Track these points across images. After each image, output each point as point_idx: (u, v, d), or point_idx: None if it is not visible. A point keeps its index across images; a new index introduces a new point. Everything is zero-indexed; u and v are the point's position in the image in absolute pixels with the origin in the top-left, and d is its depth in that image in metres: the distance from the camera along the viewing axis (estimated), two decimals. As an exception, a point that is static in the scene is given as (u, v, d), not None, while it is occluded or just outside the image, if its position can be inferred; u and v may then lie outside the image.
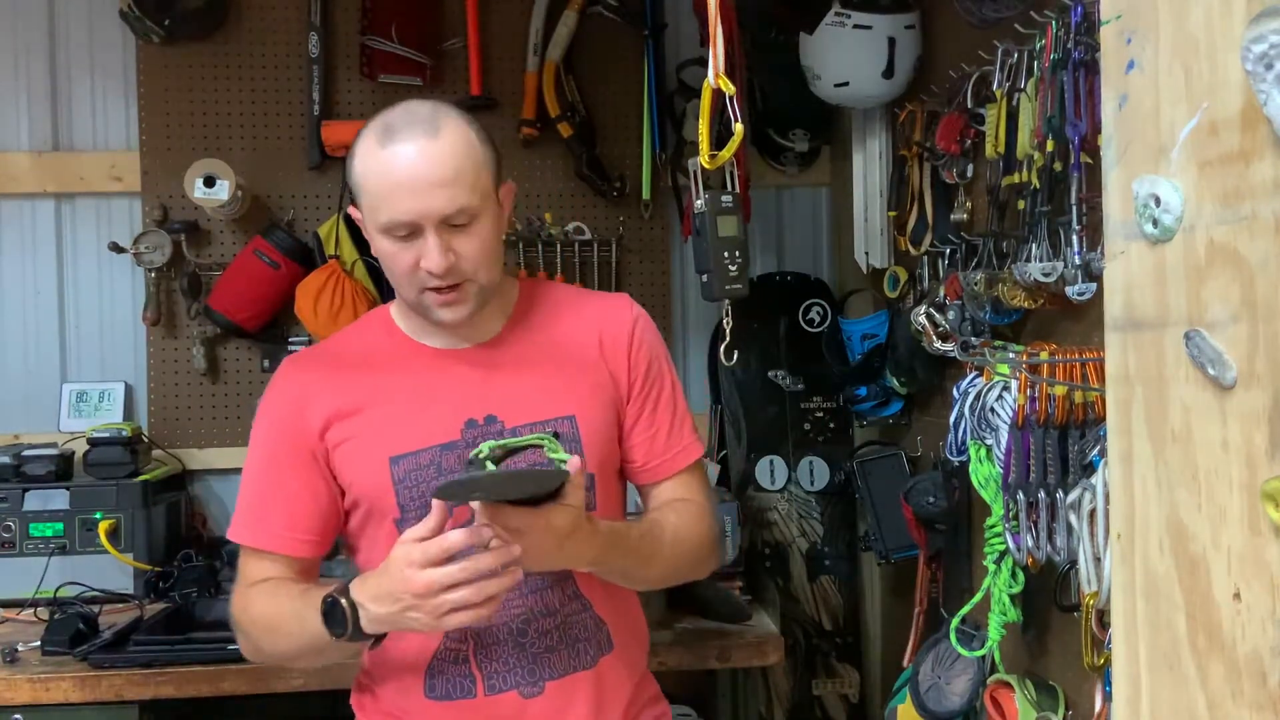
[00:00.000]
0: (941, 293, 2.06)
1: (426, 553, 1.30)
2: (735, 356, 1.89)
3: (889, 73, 2.34)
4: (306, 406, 1.54)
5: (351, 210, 1.55)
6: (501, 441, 1.37)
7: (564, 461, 1.34)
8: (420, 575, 1.30)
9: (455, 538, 1.31)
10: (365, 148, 1.46)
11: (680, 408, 1.64)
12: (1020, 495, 1.63)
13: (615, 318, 1.61)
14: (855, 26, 2.34)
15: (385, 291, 2.80)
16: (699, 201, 1.89)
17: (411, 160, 1.42)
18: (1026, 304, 1.77)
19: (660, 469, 1.61)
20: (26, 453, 2.59)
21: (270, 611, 1.50)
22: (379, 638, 1.41)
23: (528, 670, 1.51)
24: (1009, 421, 1.64)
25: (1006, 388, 1.67)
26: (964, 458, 1.78)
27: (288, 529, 1.52)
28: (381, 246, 1.47)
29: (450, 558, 1.31)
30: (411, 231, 1.43)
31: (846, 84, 2.40)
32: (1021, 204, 1.77)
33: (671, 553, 1.55)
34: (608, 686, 1.56)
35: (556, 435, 1.41)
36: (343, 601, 1.36)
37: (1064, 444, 1.59)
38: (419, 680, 1.52)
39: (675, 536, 1.56)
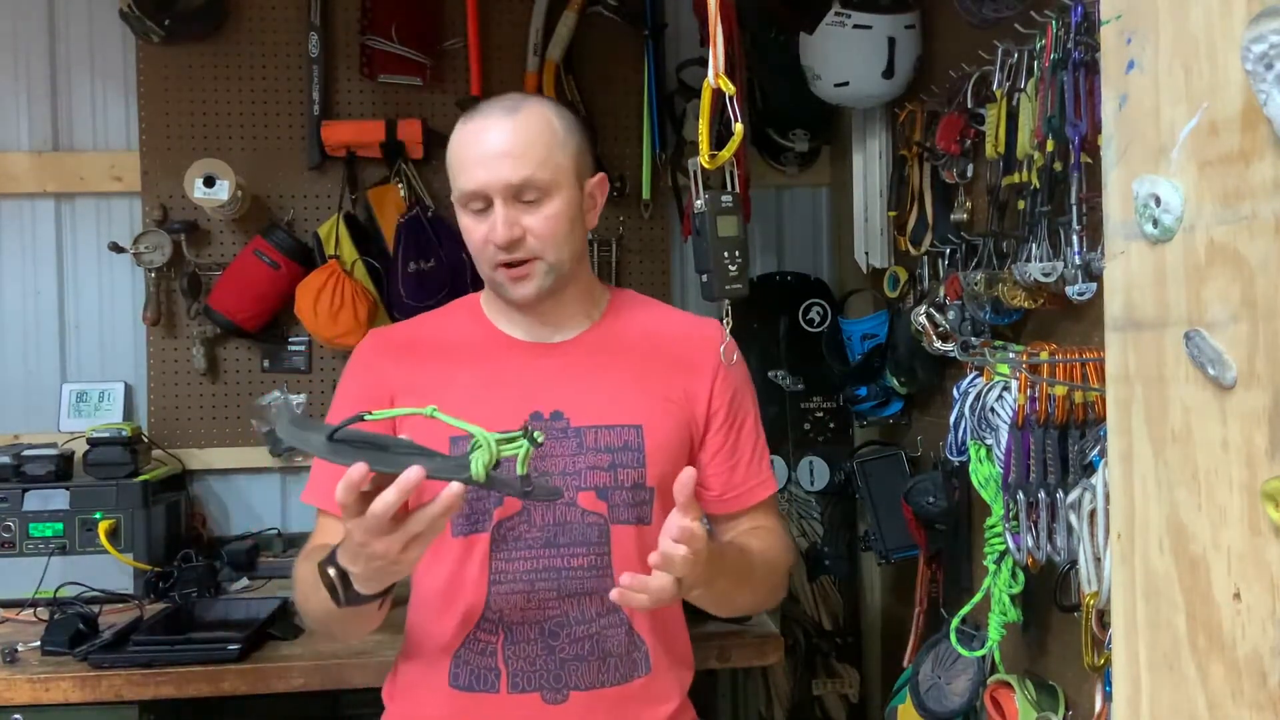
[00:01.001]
0: (941, 293, 2.06)
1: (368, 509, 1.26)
2: (735, 356, 1.89)
3: (889, 73, 2.35)
4: (382, 377, 1.57)
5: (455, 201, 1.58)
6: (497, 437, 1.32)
7: (474, 468, 1.27)
8: (355, 528, 1.26)
9: (389, 496, 1.25)
10: (456, 129, 1.52)
11: (761, 442, 1.65)
12: (1020, 495, 1.63)
13: (702, 341, 1.62)
14: (855, 26, 2.34)
15: (385, 292, 2.80)
16: (699, 201, 1.88)
17: (486, 132, 1.48)
18: (1026, 304, 1.77)
19: (736, 501, 1.62)
20: (26, 453, 2.59)
21: (303, 575, 1.49)
22: (385, 596, 1.38)
23: (554, 675, 1.50)
24: (1009, 421, 1.64)
25: (1006, 388, 1.67)
26: (964, 458, 1.78)
27: None
28: (462, 223, 1.52)
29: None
30: (485, 204, 1.47)
31: (846, 84, 2.40)
32: (1021, 204, 1.77)
33: (763, 574, 1.56)
34: (637, 710, 1.54)
35: (535, 443, 1.31)
36: (330, 571, 1.35)
37: (1064, 444, 1.59)
38: (444, 668, 1.52)
39: (764, 559, 1.56)
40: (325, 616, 1.46)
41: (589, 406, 1.53)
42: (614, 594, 1.34)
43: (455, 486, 1.25)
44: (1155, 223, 0.74)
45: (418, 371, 1.57)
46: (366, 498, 1.24)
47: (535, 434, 1.29)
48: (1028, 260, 1.73)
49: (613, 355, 1.58)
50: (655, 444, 1.54)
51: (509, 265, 1.49)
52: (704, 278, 1.92)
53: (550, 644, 1.50)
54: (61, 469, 2.59)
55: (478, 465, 1.26)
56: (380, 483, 1.25)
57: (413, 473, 1.23)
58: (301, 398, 2.88)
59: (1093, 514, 1.47)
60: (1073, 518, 1.52)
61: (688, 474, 1.31)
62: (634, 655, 1.54)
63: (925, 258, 2.29)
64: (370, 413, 1.34)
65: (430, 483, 1.25)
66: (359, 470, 1.23)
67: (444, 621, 1.53)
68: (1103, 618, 1.46)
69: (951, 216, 2.11)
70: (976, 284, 1.89)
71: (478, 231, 1.49)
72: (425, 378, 1.55)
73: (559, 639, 1.50)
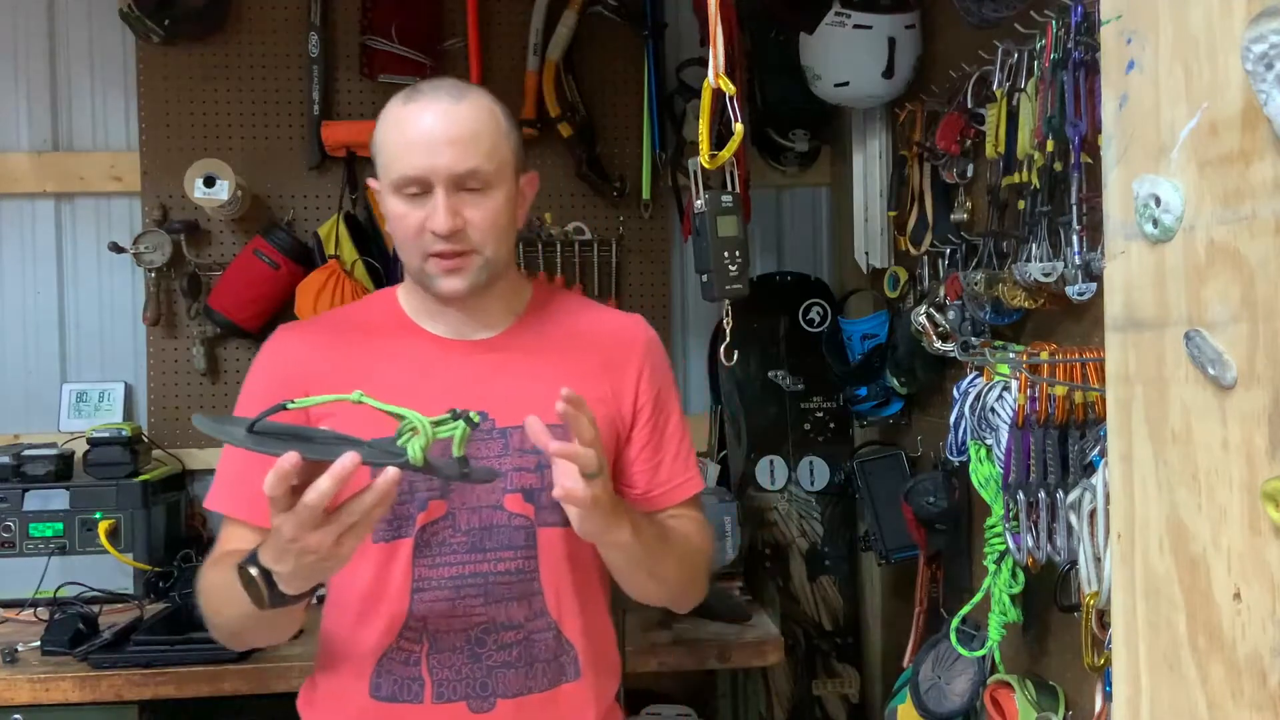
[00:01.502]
0: (941, 293, 2.06)
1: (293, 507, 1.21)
2: (735, 356, 1.89)
3: (889, 73, 2.35)
4: (297, 375, 1.49)
5: (370, 182, 1.53)
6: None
7: (405, 452, 1.21)
8: (284, 523, 1.20)
9: (318, 487, 1.19)
10: (389, 109, 1.47)
11: (685, 440, 1.61)
12: (1020, 495, 1.63)
13: (627, 338, 1.59)
14: (855, 26, 2.34)
15: (385, 291, 2.80)
16: (699, 201, 1.89)
17: (430, 116, 1.42)
18: (1026, 304, 1.77)
19: (661, 499, 1.58)
20: (26, 453, 2.59)
21: (217, 582, 1.41)
22: (311, 593, 1.32)
23: (480, 683, 1.46)
24: (1009, 421, 1.64)
25: (1006, 388, 1.67)
26: (964, 458, 1.78)
27: (260, 498, 1.38)
28: (391, 208, 1.45)
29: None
30: (422, 190, 1.41)
31: (846, 84, 2.40)
32: (1021, 204, 1.77)
33: (682, 553, 1.52)
34: (566, 715, 1.51)
35: (472, 423, 1.25)
36: (251, 570, 1.27)
37: (1064, 444, 1.59)
38: (365, 678, 1.47)
39: (684, 538, 1.54)
40: (242, 623, 1.39)
41: (514, 406, 1.46)
42: (554, 446, 1.27)
43: (391, 472, 1.19)
44: (1155, 223, 0.74)
45: (334, 369, 1.49)
46: (296, 491, 1.18)
47: (471, 414, 1.23)
48: (1028, 260, 1.73)
49: (538, 353, 1.53)
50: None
51: (443, 256, 1.43)
52: (704, 278, 1.93)
53: (476, 651, 1.46)
54: (61, 469, 2.59)
55: (414, 448, 1.20)
56: (310, 474, 1.18)
57: (348, 458, 1.16)
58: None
59: (1093, 514, 1.47)
60: (1073, 518, 1.52)
61: (532, 421, 1.29)
62: (562, 660, 1.50)
63: (925, 258, 2.29)
64: (292, 401, 1.26)
65: (361, 473, 1.18)
66: (290, 459, 1.16)
67: (364, 630, 1.47)
68: (1103, 618, 1.47)
69: (951, 216, 2.12)
70: (976, 284, 1.89)
71: (412, 217, 1.42)
72: (342, 375, 1.47)
73: (485, 646, 1.46)
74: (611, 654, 1.61)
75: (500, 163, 1.45)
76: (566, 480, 1.30)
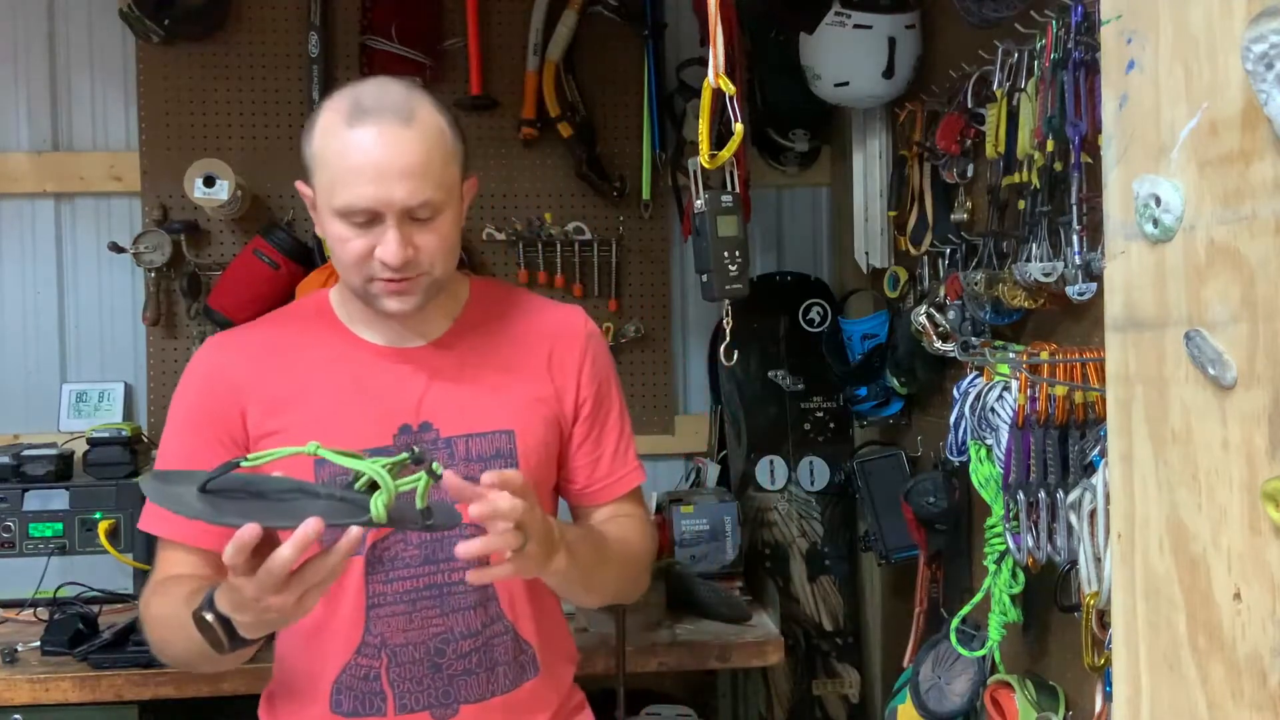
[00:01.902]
0: (941, 293, 2.06)
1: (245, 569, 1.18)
2: (735, 356, 1.89)
3: (889, 73, 2.35)
4: (230, 391, 1.46)
5: (299, 185, 1.45)
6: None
7: (370, 510, 1.18)
8: (245, 586, 1.17)
9: (279, 557, 1.16)
10: (329, 121, 1.38)
11: (626, 432, 1.60)
12: (1020, 495, 1.63)
13: (567, 333, 1.57)
14: (855, 26, 2.34)
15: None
16: (699, 201, 1.89)
17: (379, 145, 1.34)
18: (1027, 304, 1.77)
19: (600, 494, 1.58)
20: (26, 453, 2.59)
21: (164, 613, 1.38)
22: (269, 636, 1.32)
23: (442, 692, 1.45)
24: (1009, 421, 1.64)
25: (1007, 388, 1.67)
26: (964, 458, 1.78)
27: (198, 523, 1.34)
28: (332, 229, 1.38)
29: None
30: (370, 219, 1.35)
31: (846, 84, 2.40)
32: (1021, 204, 1.77)
33: (619, 560, 1.51)
34: (528, 711, 1.52)
35: (434, 475, 1.21)
36: (207, 617, 1.24)
37: (1064, 444, 1.59)
38: (325, 695, 1.46)
39: (621, 545, 1.52)
40: (195, 658, 1.35)
41: (458, 415, 1.46)
42: (470, 576, 1.25)
43: (354, 531, 1.16)
44: (1155, 223, 0.74)
45: (269, 382, 1.46)
46: (257, 552, 1.15)
47: (434, 465, 1.19)
48: (1028, 260, 1.73)
49: (478, 356, 1.51)
50: (527, 447, 1.49)
51: (390, 280, 1.38)
52: (704, 278, 1.93)
53: (436, 661, 1.45)
54: (61, 469, 2.59)
55: (378, 507, 1.16)
56: (271, 535, 1.15)
57: (310, 525, 1.13)
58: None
59: (1093, 514, 1.47)
60: (1073, 518, 1.52)
61: (449, 477, 1.23)
62: (521, 660, 1.50)
63: (925, 258, 2.29)
64: (245, 458, 1.23)
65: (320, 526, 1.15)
66: (251, 532, 1.13)
67: (321, 650, 1.45)
68: (1103, 618, 1.47)
69: (951, 216, 2.12)
70: (976, 284, 1.89)
71: (358, 243, 1.36)
72: (278, 389, 1.45)
73: (445, 655, 1.45)
74: (566, 642, 1.62)
75: (450, 186, 1.41)
76: (489, 562, 1.26)
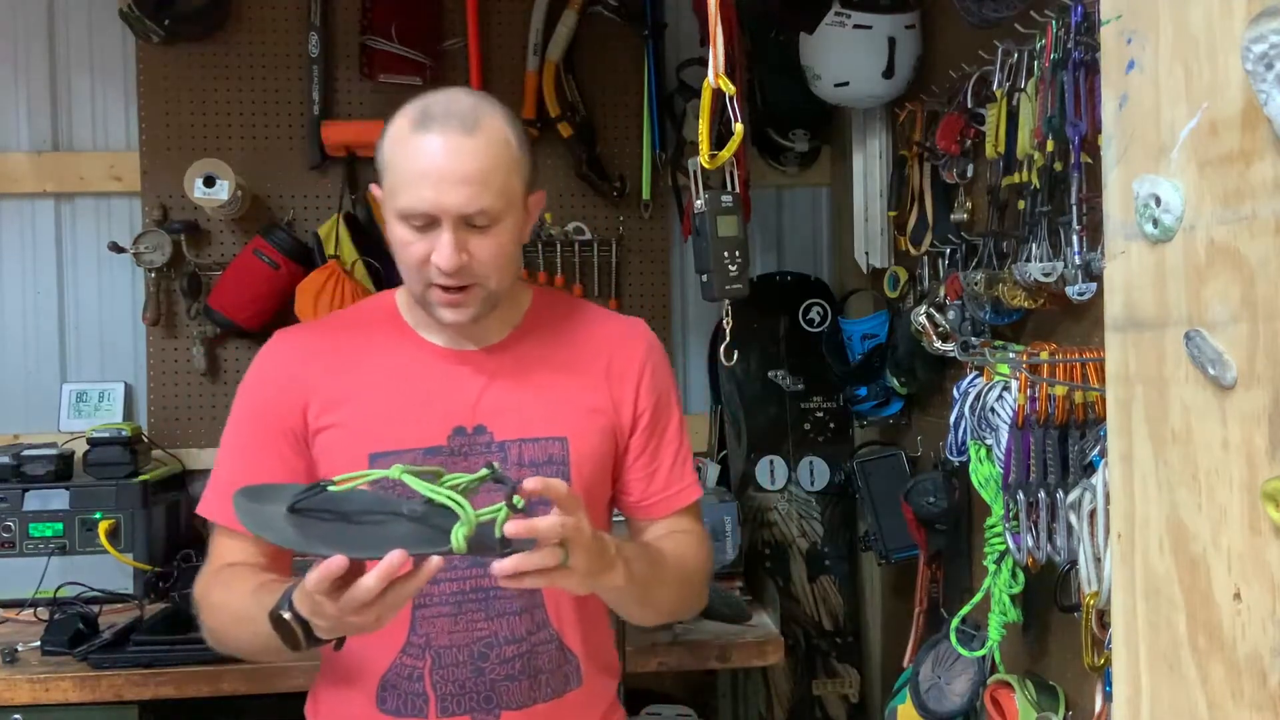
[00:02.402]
0: (941, 293, 2.06)
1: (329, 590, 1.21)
2: (735, 356, 1.89)
3: (889, 73, 2.35)
4: (294, 383, 1.48)
5: (373, 187, 1.50)
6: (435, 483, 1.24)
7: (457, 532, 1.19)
8: (326, 605, 1.21)
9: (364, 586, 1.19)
10: (399, 129, 1.42)
11: (684, 447, 1.59)
12: (1020, 495, 1.63)
13: (627, 343, 1.57)
14: (855, 26, 2.34)
15: (385, 291, 2.80)
16: (699, 201, 1.89)
17: (441, 152, 1.37)
18: (1026, 304, 1.77)
19: (657, 508, 1.56)
20: (26, 453, 2.59)
21: (229, 604, 1.41)
22: (341, 640, 1.33)
23: (484, 697, 1.46)
24: (1009, 421, 1.64)
25: (1006, 388, 1.67)
26: (964, 458, 1.78)
27: None
28: (396, 232, 1.42)
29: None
30: (428, 223, 1.39)
31: (846, 84, 2.40)
32: (1021, 204, 1.77)
33: (675, 577, 1.50)
34: None
35: (514, 506, 1.21)
36: (286, 617, 1.27)
37: (1064, 444, 1.59)
38: (371, 692, 1.47)
39: (677, 563, 1.51)
40: (260, 651, 1.39)
41: (513, 419, 1.46)
42: (496, 567, 1.22)
43: (434, 561, 1.19)
44: (1155, 223, 0.74)
45: (330, 378, 1.48)
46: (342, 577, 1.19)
47: (516, 499, 1.20)
48: (1028, 260, 1.73)
49: (536, 363, 1.51)
50: (580, 456, 1.49)
51: (445, 289, 1.41)
52: (704, 278, 1.93)
53: (480, 665, 1.46)
54: (61, 469, 2.59)
55: (458, 538, 1.19)
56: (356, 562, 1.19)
57: (394, 558, 1.17)
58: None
59: (1093, 514, 1.47)
60: (1073, 518, 1.52)
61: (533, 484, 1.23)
62: (565, 669, 1.50)
63: (925, 258, 2.29)
64: (333, 481, 1.26)
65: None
66: (338, 564, 1.18)
67: (367, 649, 1.46)
68: (1103, 618, 1.47)
69: (951, 216, 2.12)
70: (976, 284, 1.89)
71: (417, 247, 1.40)
72: (339, 385, 1.48)
73: (488, 660, 1.46)
74: (610, 655, 1.61)
75: (510, 196, 1.42)
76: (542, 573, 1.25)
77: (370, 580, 1.17)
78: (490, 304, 1.45)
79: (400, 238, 1.42)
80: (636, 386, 1.55)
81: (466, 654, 1.46)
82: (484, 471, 1.23)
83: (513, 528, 1.20)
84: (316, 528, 1.22)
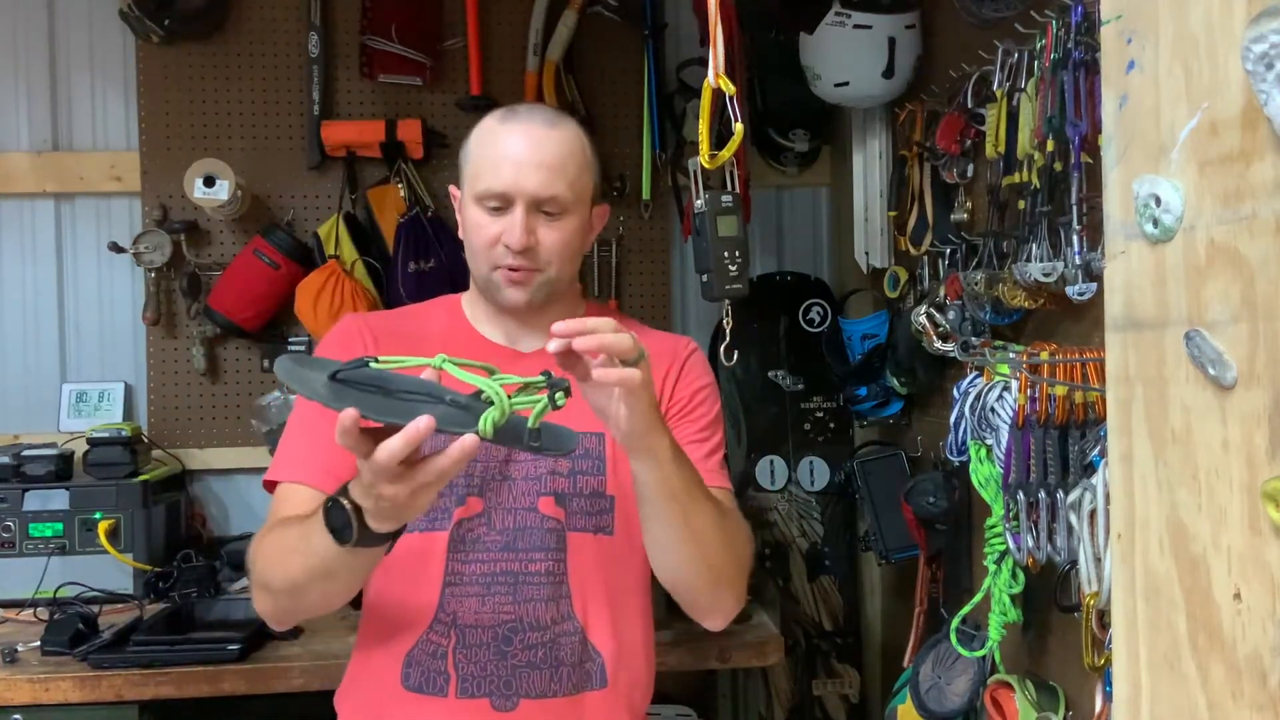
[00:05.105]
0: (942, 293, 2.06)
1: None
2: (735, 356, 1.89)
3: (889, 73, 2.35)
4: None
5: (452, 188, 1.61)
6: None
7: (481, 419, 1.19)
8: (364, 469, 1.21)
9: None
10: (484, 126, 1.55)
11: (714, 442, 1.59)
12: (1020, 495, 1.63)
13: (668, 352, 1.61)
14: (855, 26, 2.34)
15: (385, 292, 2.80)
16: (699, 201, 1.89)
17: (524, 138, 1.50)
18: (1027, 304, 1.77)
19: None
20: (26, 453, 2.59)
21: (279, 540, 1.42)
22: (390, 541, 1.31)
23: (504, 682, 1.47)
24: (1009, 421, 1.64)
25: (1007, 388, 1.67)
26: (964, 458, 1.78)
27: (325, 467, 1.44)
28: (470, 217, 1.52)
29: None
30: (502, 205, 1.49)
31: (846, 84, 2.40)
32: (1021, 204, 1.77)
33: (714, 511, 1.45)
34: None
35: (555, 404, 1.22)
36: (344, 501, 1.27)
37: (1064, 444, 1.59)
38: (397, 669, 1.50)
39: (716, 503, 1.47)
40: (309, 574, 1.36)
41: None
42: (557, 327, 1.24)
43: (469, 441, 1.18)
44: (1155, 223, 0.74)
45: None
46: (374, 435, 1.18)
47: (558, 396, 1.20)
48: (1028, 260, 1.73)
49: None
50: (617, 452, 1.51)
51: (511, 269, 1.50)
52: (704, 278, 1.93)
53: (503, 649, 1.48)
54: (61, 469, 2.59)
55: (485, 422, 1.18)
56: (394, 429, 1.18)
57: (420, 423, 1.16)
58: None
59: (1093, 514, 1.47)
60: (1073, 518, 1.52)
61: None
62: (587, 666, 1.51)
63: (925, 258, 2.29)
64: (376, 359, 1.24)
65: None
66: (350, 415, 1.17)
67: (398, 621, 1.51)
68: (1103, 618, 1.47)
69: (951, 216, 2.12)
70: (976, 284, 1.89)
71: (490, 228, 1.50)
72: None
73: (512, 645, 1.48)
74: (643, 668, 1.59)
75: (579, 192, 1.53)
76: (610, 375, 1.26)
77: (395, 442, 1.16)
78: (547, 291, 1.53)
79: (474, 221, 1.52)
80: (674, 383, 1.59)
81: (490, 635, 1.48)
82: (539, 377, 1.23)
83: (562, 327, 1.23)
84: (353, 394, 1.21)
